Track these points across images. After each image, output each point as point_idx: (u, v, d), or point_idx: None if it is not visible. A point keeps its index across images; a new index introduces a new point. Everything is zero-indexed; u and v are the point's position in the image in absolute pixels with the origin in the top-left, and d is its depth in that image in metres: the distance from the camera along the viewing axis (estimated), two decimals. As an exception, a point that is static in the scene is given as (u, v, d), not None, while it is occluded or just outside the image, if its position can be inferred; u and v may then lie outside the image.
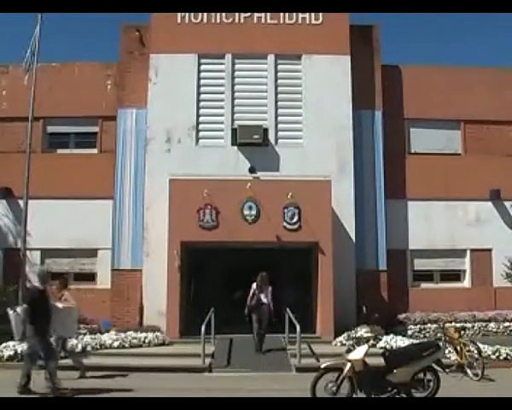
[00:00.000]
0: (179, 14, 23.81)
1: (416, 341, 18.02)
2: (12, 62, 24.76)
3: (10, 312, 13.89)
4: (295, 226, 21.38)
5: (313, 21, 24.02)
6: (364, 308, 21.65)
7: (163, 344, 20.17)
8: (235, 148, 23.23)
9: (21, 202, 21.61)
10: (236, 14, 23.82)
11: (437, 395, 11.55)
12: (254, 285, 19.41)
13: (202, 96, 23.73)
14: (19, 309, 13.76)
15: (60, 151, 24.79)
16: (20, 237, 21.98)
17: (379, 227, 23.64)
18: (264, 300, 19.16)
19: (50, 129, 24.75)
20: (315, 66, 23.76)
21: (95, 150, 24.65)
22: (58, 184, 23.41)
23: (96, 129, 24.67)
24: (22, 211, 21.14)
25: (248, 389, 13.44)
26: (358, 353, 11.58)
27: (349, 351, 11.79)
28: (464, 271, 24.66)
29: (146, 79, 23.59)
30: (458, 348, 16.16)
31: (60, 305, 14.25)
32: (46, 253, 23.82)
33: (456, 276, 24.73)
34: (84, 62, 25.21)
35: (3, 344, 17.67)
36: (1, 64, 25.32)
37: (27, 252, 21.98)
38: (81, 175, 23.59)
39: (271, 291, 19.35)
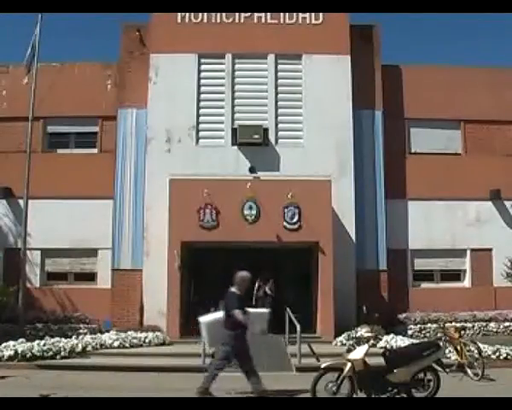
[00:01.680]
0: (179, 14, 23.83)
1: (416, 341, 18.04)
2: (12, 62, 24.84)
3: (203, 320, 13.70)
4: (295, 226, 21.39)
5: (313, 21, 24.03)
6: (364, 308, 21.67)
7: (163, 344, 20.20)
8: (236, 148, 23.24)
9: (21, 202, 21.65)
10: (237, 13, 23.85)
11: (437, 395, 11.53)
12: (258, 280, 21.79)
13: (202, 96, 23.74)
14: (211, 316, 13.58)
15: (60, 151, 24.82)
16: (20, 237, 22.01)
17: (379, 227, 23.65)
18: (268, 291, 21.90)
19: (50, 129, 24.78)
20: (315, 66, 23.76)
21: (95, 150, 24.66)
22: (58, 183, 23.41)
23: (96, 129, 24.69)
24: (22, 211, 21.16)
25: (248, 389, 13.41)
26: (358, 353, 11.56)
27: (349, 351, 11.78)
28: (464, 271, 24.65)
29: (146, 78, 23.60)
30: (458, 347, 16.14)
31: (252, 310, 13.98)
32: (46, 253, 23.89)
33: (456, 276, 24.73)
34: (84, 62, 25.24)
35: (4, 344, 17.66)
36: (1, 64, 25.30)
37: (27, 252, 22.02)
38: (81, 175, 23.60)
39: (273, 283, 22.12)
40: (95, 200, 23.46)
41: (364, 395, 11.34)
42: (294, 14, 24.01)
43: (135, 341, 19.77)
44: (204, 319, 13.63)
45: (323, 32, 23.82)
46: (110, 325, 21.99)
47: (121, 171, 23.63)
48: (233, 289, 12.89)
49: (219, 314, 13.12)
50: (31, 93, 21.18)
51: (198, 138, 23.49)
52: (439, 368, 11.85)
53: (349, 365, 11.37)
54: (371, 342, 12.19)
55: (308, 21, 24.06)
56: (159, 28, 23.71)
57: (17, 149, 23.20)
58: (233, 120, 23.45)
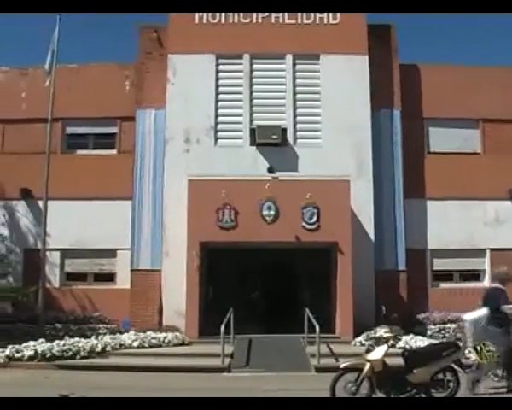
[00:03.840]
0: (197, 15, 23.86)
1: (435, 341, 17.95)
2: (31, 64, 24.99)
3: (467, 318, 13.49)
4: (314, 226, 21.35)
5: (331, 21, 24.00)
6: (384, 308, 21.56)
7: (182, 344, 20.24)
8: (254, 148, 23.24)
9: (41, 203, 21.79)
10: (254, 14, 23.84)
11: (457, 395, 11.48)
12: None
13: (220, 97, 23.77)
14: (475, 314, 13.40)
15: (79, 152, 24.92)
16: (39, 237, 22.16)
17: (398, 227, 23.56)
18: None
19: (69, 130, 24.90)
20: (333, 66, 23.70)
21: (114, 151, 24.77)
22: (77, 184, 23.52)
23: (114, 130, 24.79)
24: (42, 212, 21.32)
25: (267, 389, 13.42)
26: (378, 353, 11.51)
27: (368, 351, 11.72)
28: (484, 270, 24.47)
29: (164, 79, 23.66)
30: (478, 348, 16.04)
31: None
32: (65, 253, 24.01)
33: (475, 276, 24.55)
34: (102, 63, 25.28)
35: (24, 344, 17.78)
36: (20, 66, 25.45)
37: (47, 253, 22.15)
38: (100, 176, 23.70)
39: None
40: (113, 200, 23.56)
41: (384, 396, 11.30)
42: (312, 14, 23.97)
43: (154, 341, 19.83)
44: (468, 317, 13.42)
45: (341, 32, 23.76)
46: (129, 325, 22.07)
47: (140, 171, 23.69)
48: (497, 285, 12.67)
49: (483, 311, 12.92)
50: (50, 94, 21.31)
51: (216, 139, 23.51)
52: (458, 368, 11.81)
53: (368, 365, 11.33)
54: (390, 342, 12.16)
55: (325, 21, 24.02)
56: (176, 29, 23.76)
57: (36, 150, 23.26)
58: (251, 120, 23.45)
